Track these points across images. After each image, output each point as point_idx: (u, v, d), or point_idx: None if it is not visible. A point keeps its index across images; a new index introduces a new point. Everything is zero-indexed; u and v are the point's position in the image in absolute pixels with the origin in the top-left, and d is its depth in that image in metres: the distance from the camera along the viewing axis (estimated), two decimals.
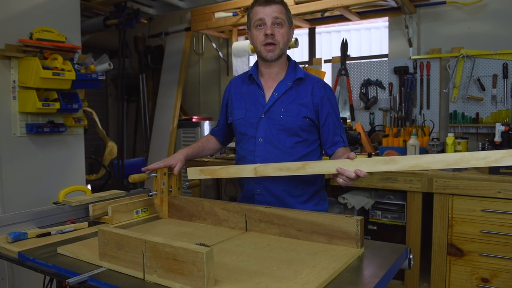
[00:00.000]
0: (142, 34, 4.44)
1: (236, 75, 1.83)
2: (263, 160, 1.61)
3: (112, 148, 3.24)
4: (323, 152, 1.73)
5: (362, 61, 3.51)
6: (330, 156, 1.65)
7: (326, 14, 3.43)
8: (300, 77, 1.64)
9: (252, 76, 1.70)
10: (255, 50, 1.67)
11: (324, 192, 1.78)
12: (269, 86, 1.67)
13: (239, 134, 1.71)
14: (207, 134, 1.96)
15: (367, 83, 3.40)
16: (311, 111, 1.62)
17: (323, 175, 1.75)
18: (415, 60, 3.20)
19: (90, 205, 1.58)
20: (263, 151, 1.62)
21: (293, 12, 3.13)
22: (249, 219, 1.41)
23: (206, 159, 3.32)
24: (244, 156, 1.68)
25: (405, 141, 2.88)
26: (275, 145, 1.61)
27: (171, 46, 4.33)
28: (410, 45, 3.21)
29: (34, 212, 1.52)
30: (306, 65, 3.71)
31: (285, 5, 1.64)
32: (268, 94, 1.65)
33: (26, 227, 1.46)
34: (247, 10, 1.72)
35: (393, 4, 3.10)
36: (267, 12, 1.58)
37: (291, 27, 1.67)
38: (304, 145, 1.64)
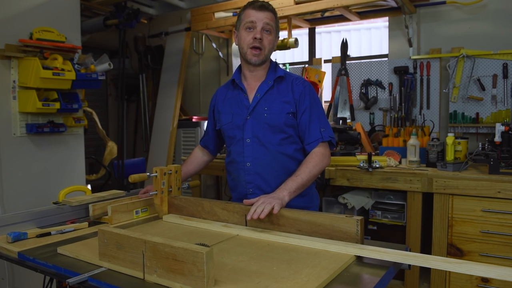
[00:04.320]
0: (142, 34, 4.43)
1: None
2: (252, 160, 1.64)
3: (112, 148, 3.24)
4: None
5: (362, 61, 3.51)
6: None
7: (326, 14, 3.43)
8: (280, 76, 1.68)
9: (235, 81, 1.74)
10: (240, 51, 1.69)
11: (315, 189, 1.82)
12: (252, 88, 1.71)
13: (228, 138, 1.74)
14: (196, 148, 1.99)
15: (367, 83, 3.40)
16: (294, 108, 1.65)
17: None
18: (415, 60, 3.20)
19: (90, 205, 1.58)
20: (252, 151, 1.65)
21: (293, 12, 3.14)
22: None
23: None
24: (234, 158, 1.71)
25: (405, 141, 2.88)
26: (262, 143, 1.64)
27: (171, 46, 4.33)
28: (410, 45, 3.21)
29: (34, 212, 1.52)
30: (306, 65, 3.71)
31: (276, 14, 1.68)
32: (251, 96, 1.69)
33: (26, 227, 1.46)
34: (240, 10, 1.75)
35: (393, 4, 3.10)
36: (260, 17, 1.61)
37: (277, 37, 1.71)
38: (289, 141, 1.66)
